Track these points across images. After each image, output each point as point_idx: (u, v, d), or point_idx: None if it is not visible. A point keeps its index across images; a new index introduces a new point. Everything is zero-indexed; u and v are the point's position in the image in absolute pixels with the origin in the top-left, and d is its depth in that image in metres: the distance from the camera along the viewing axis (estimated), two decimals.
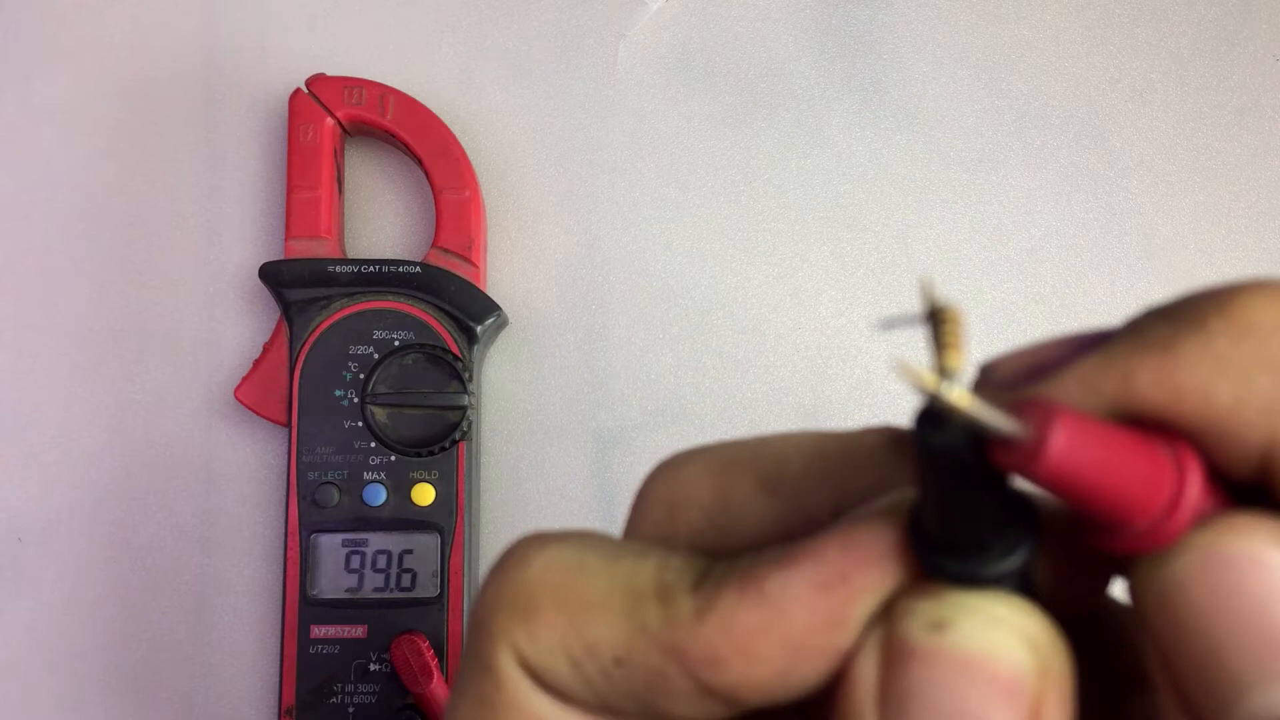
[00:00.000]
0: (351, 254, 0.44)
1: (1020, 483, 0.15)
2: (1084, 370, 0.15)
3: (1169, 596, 0.14)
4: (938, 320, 0.14)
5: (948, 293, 0.44)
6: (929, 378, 0.14)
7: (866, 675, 0.15)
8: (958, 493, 0.15)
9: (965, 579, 0.15)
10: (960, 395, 0.14)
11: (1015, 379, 0.16)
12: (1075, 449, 0.14)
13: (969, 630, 0.15)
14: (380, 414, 0.40)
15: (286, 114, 0.43)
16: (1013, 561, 0.15)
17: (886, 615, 0.15)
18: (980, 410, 0.14)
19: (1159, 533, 0.14)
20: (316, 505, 0.40)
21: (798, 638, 0.15)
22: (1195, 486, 0.14)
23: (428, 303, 0.41)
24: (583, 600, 0.16)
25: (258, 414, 0.41)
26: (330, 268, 0.41)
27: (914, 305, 0.50)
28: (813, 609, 0.15)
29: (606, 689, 0.16)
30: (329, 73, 0.43)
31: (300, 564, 0.40)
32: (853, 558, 0.15)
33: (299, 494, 0.40)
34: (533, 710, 0.17)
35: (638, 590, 0.16)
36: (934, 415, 0.14)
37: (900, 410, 0.43)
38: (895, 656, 0.15)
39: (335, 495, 0.40)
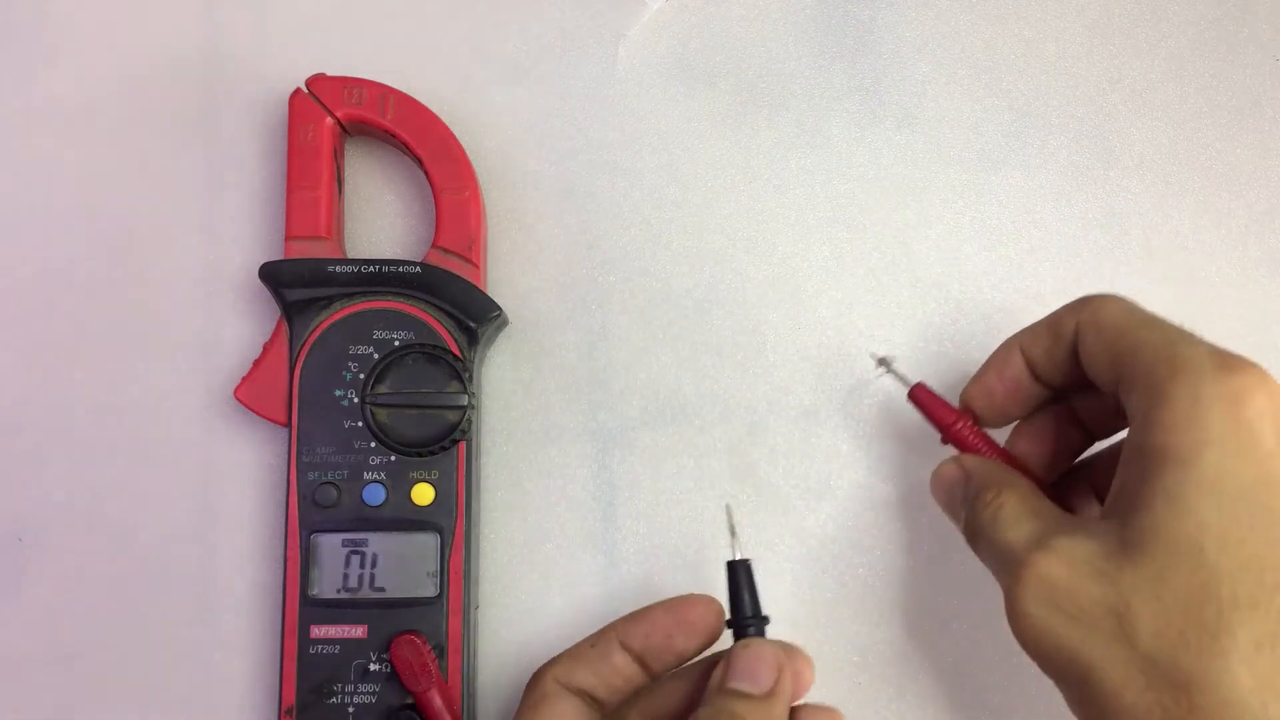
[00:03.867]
0: (351, 254, 0.44)
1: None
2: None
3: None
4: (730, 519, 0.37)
5: (948, 292, 0.45)
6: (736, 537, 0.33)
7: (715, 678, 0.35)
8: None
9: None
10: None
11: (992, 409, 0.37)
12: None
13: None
14: (380, 414, 0.40)
15: (286, 114, 0.43)
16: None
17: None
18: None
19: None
20: (316, 505, 0.40)
21: None
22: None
23: (428, 303, 0.41)
24: None
25: (257, 414, 0.41)
26: (330, 268, 0.41)
27: (914, 305, 0.50)
28: None
29: None
30: (329, 73, 0.43)
31: (300, 564, 0.40)
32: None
33: (299, 494, 0.40)
34: None
35: None
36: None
37: (900, 410, 0.43)
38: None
39: (335, 495, 0.40)
